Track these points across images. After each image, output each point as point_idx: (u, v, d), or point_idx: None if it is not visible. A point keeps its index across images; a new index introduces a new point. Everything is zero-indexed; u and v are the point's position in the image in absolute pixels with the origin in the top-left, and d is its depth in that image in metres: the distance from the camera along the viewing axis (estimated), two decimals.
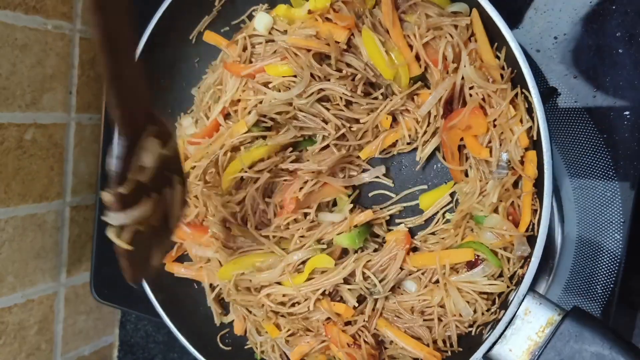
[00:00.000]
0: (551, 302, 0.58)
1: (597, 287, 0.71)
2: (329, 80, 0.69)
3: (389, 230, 0.74)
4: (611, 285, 0.70)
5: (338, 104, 0.69)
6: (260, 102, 0.74)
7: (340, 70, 0.68)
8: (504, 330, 0.58)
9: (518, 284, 0.60)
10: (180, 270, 0.82)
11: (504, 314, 0.59)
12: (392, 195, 0.74)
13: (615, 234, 0.70)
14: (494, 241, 0.63)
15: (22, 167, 0.90)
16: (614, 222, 0.70)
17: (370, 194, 0.76)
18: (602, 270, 0.71)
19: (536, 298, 0.58)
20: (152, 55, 0.78)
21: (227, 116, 0.79)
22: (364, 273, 0.69)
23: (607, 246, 0.70)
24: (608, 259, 0.70)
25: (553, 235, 0.74)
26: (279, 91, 0.72)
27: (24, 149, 0.90)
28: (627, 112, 0.69)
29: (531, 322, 0.57)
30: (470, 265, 0.65)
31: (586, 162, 0.71)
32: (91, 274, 0.98)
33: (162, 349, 1.11)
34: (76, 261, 1.04)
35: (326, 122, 0.71)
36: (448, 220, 0.71)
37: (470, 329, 0.66)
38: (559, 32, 0.72)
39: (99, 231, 0.96)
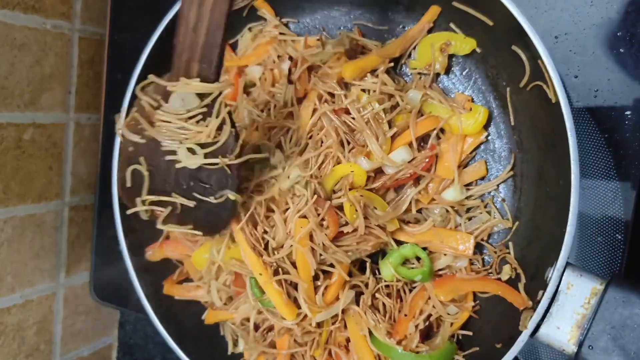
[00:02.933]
0: (590, 273, 0.57)
1: None
2: None
3: None
4: None
5: None
6: None
7: None
8: (548, 309, 0.57)
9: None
10: (179, 292, 0.81)
11: (542, 294, 0.57)
12: None
13: (616, 234, 0.70)
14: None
15: (20, 167, 0.90)
16: (615, 222, 0.70)
17: None
18: (603, 269, 0.71)
19: (576, 270, 0.57)
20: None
21: None
22: None
23: (608, 246, 0.70)
24: (609, 258, 0.70)
25: None
26: None
27: (23, 149, 0.90)
28: (628, 112, 0.69)
29: (575, 295, 0.56)
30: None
31: (587, 161, 0.71)
32: (90, 274, 0.98)
33: (161, 349, 1.10)
34: (75, 261, 1.03)
35: None
36: None
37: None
38: (560, 31, 0.72)
39: (98, 231, 0.96)
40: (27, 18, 0.88)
